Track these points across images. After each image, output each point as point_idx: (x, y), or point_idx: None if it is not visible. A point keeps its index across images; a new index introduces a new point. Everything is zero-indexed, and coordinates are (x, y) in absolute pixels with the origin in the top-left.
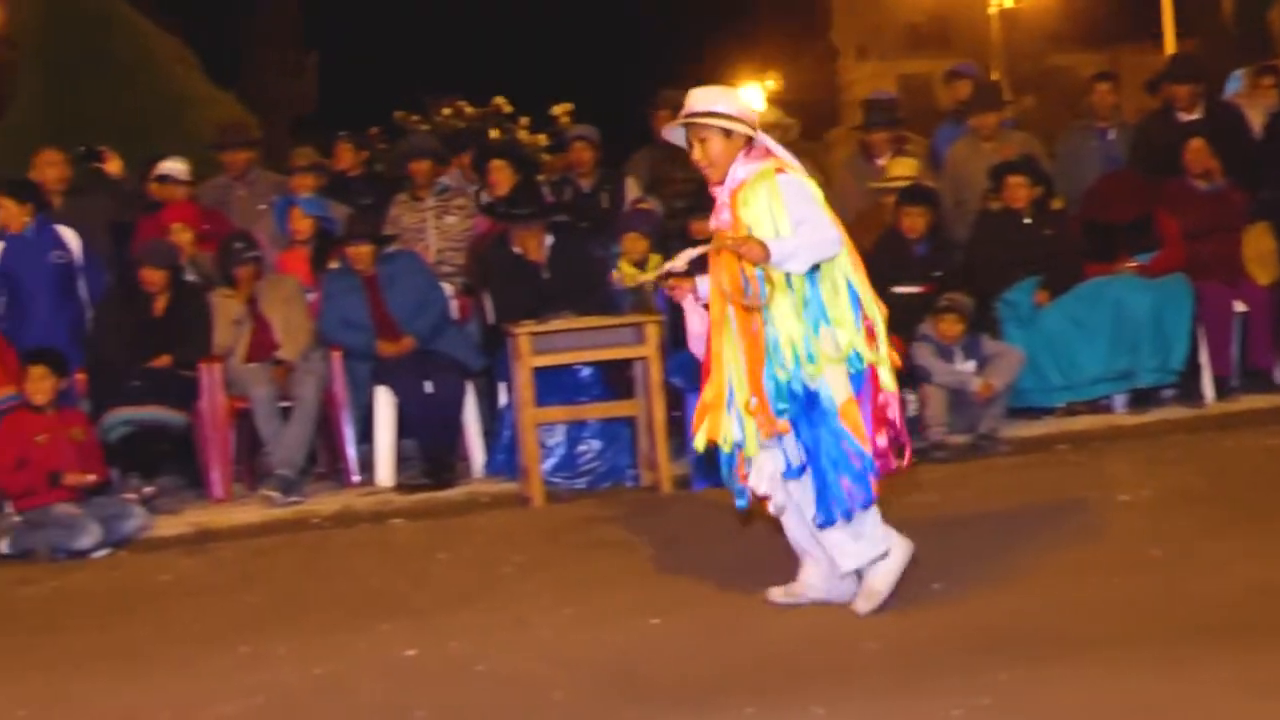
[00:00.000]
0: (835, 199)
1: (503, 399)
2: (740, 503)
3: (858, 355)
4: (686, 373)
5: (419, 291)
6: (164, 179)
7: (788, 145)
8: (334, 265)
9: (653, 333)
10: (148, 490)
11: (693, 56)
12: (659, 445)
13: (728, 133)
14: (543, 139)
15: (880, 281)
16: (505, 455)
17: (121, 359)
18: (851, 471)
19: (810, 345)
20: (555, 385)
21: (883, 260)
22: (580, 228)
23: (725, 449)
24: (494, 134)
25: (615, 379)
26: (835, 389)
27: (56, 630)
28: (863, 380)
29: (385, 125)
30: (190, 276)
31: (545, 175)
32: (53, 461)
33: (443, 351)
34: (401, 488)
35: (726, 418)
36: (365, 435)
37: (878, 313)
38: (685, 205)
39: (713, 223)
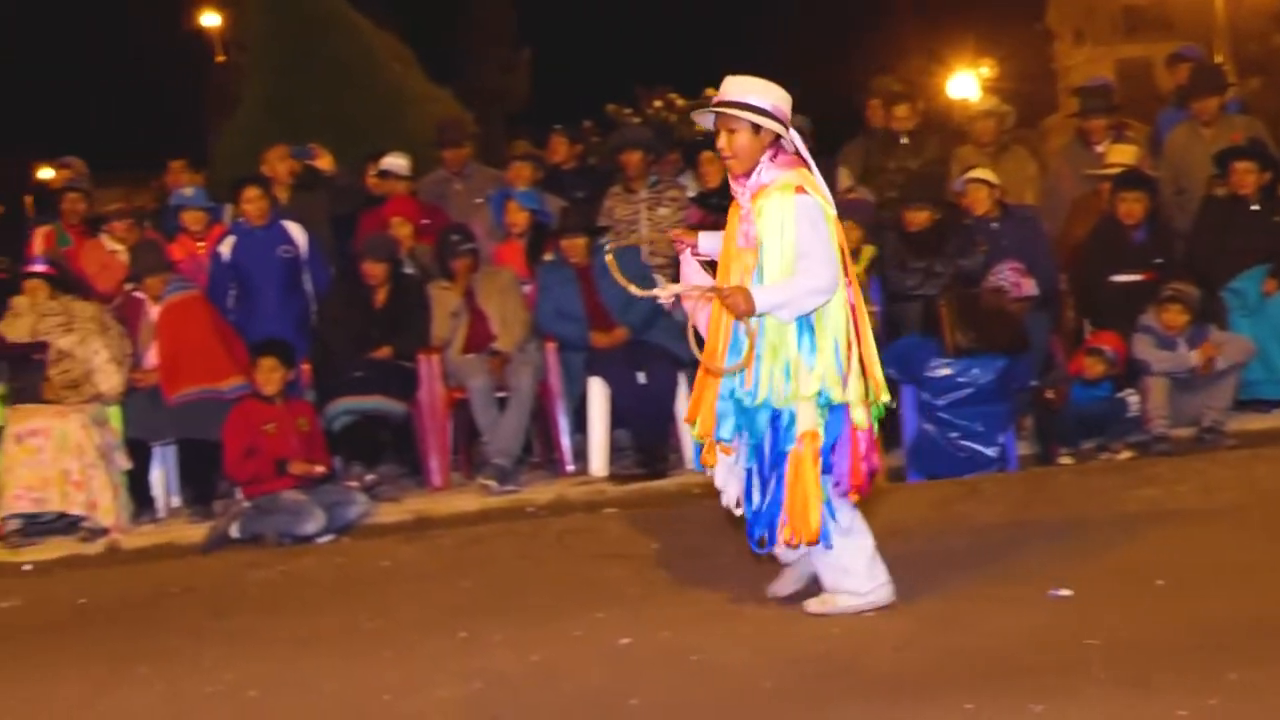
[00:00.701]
0: (1051, 187)
1: None
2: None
3: (826, 394)
4: (902, 364)
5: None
6: (385, 174)
7: (1004, 133)
8: (549, 257)
9: None
10: (369, 478)
11: (906, 45)
12: None
13: (757, 128)
14: None
15: (1097, 269)
16: None
17: (345, 350)
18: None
19: (790, 375)
20: None
21: (1100, 248)
22: None
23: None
24: None
25: None
26: (801, 420)
27: (283, 613)
28: (839, 418)
29: (597, 118)
30: (409, 269)
31: None
32: (280, 450)
33: (655, 342)
34: (615, 478)
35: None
36: (579, 425)
37: (853, 353)
38: (897, 195)
39: (739, 237)
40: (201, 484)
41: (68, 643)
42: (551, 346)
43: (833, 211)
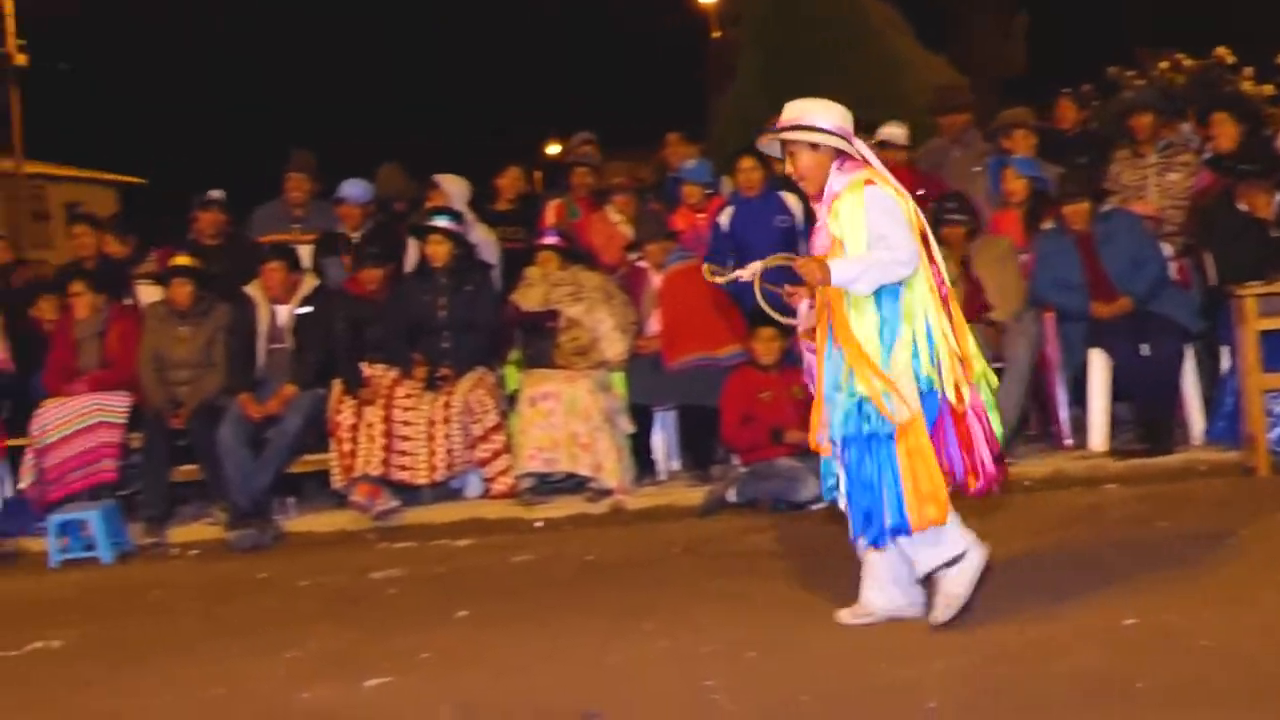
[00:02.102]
0: None
1: (1225, 364)
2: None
3: (928, 379)
4: None
5: (1136, 250)
6: (884, 144)
7: None
8: (1048, 225)
9: None
10: None
11: None
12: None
13: (814, 145)
14: (1268, 89)
15: None
16: (1226, 423)
17: None
18: (889, 499)
19: (884, 364)
20: None
21: None
22: None
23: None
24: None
25: None
26: (899, 407)
27: (777, 577)
28: (936, 402)
29: (1097, 82)
30: None
31: (1274, 128)
32: (776, 418)
33: (1161, 313)
34: (1115, 453)
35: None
36: (1078, 398)
37: (947, 336)
38: None
39: (815, 240)
40: (700, 449)
41: (576, 597)
42: (1049, 316)
43: (907, 202)
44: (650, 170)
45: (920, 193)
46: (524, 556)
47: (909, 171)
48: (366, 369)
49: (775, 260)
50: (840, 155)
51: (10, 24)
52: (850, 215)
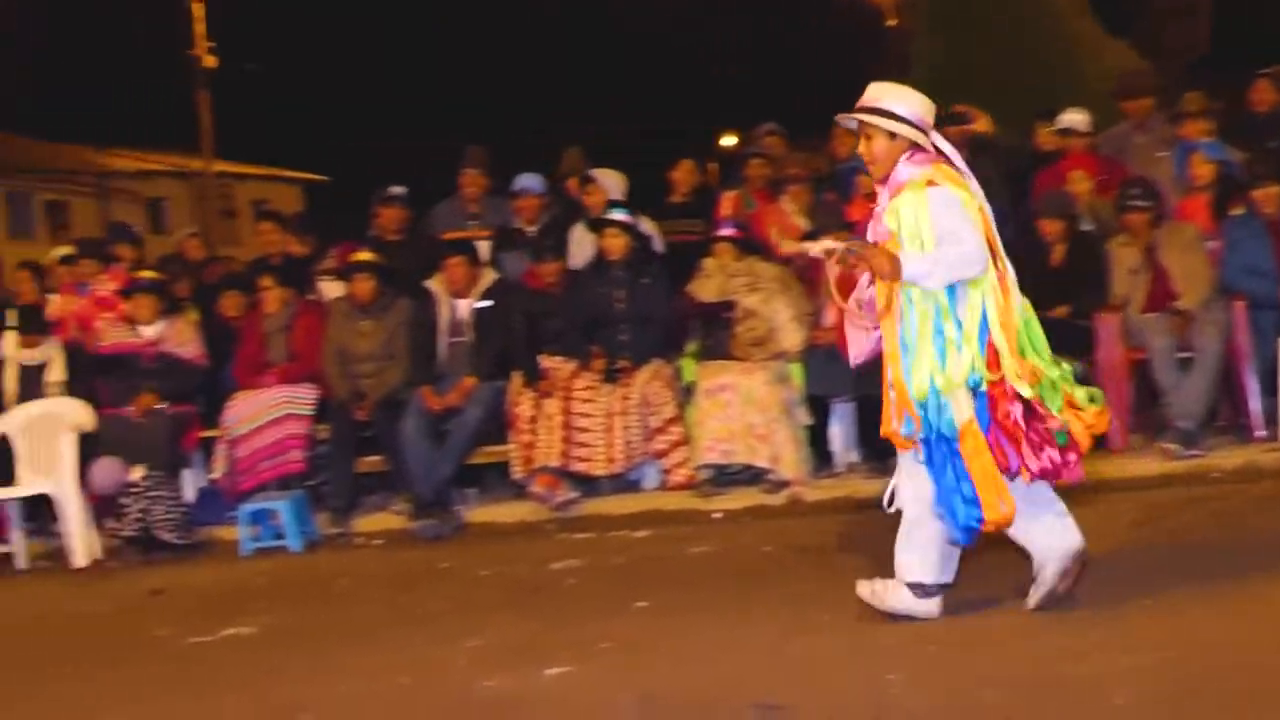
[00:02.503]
0: None
1: None
2: None
3: (977, 375)
4: None
5: None
6: (1066, 131)
7: None
8: (1237, 211)
9: None
10: None
11: None
12: None
13: (892, 133)
14: None
15: None
16: None
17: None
18: (958, 501)
19: (945, 361)
20: None
21: None
22: None
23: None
24: None
25: None
26: (960, 409)
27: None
28: (983, 400)
29: None
30: (1087, 226)
31: None
32: None
33: None
34: None
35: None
36: (1270, 388)
37: (1008, 334)
38: None
39: (870, 230)
40: (878, 440)
41: (755, 589)
42: (1240, 305)
43: (977, 201)
44: (825, 161)
45: (1103, 178)
46: (702, 548)
47: (1091, 158)
48: (545, 361)
49: (851, 245)
50: (913, 145)
51: (200, 28)
52: (911, 215)
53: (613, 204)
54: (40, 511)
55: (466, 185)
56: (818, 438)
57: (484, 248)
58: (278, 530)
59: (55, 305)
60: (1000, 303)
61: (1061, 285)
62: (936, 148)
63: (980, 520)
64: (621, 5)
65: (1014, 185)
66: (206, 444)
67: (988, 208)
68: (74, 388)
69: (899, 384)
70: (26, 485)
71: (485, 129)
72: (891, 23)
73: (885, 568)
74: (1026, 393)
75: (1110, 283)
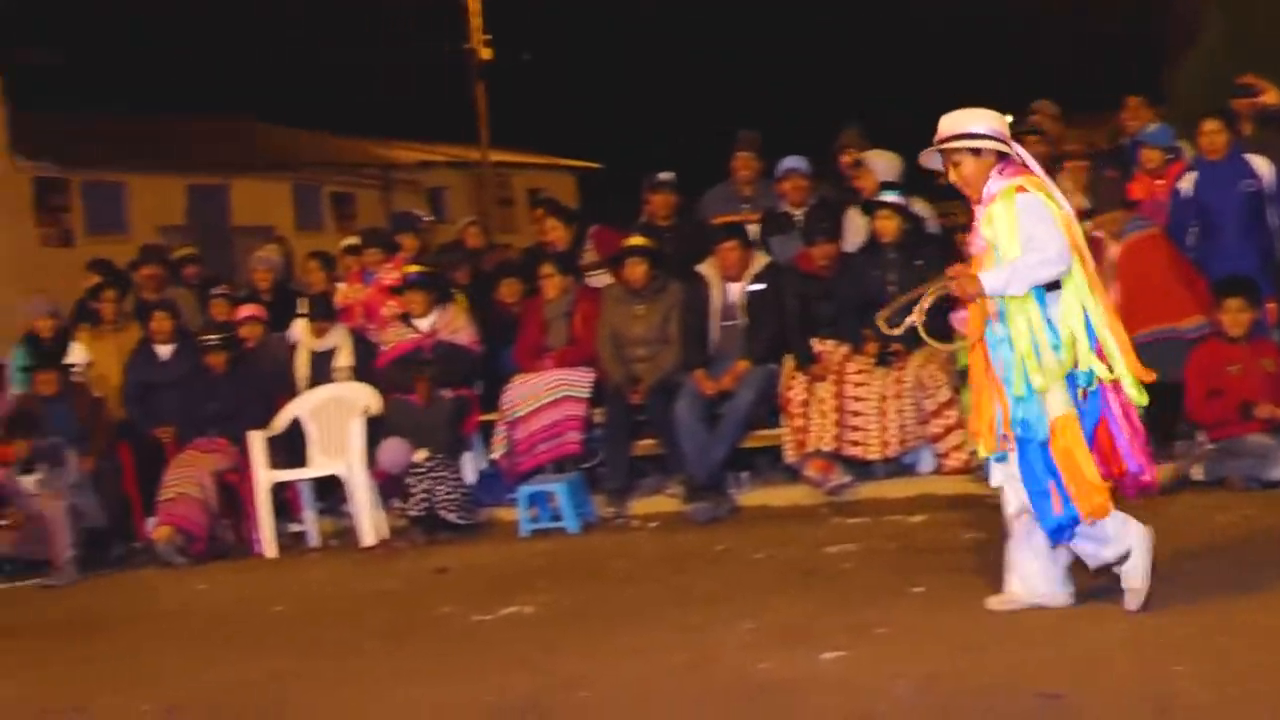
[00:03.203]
0: None
1: None
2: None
3: (1090, 372)
4: None
5: None
6: None
7: None
8: None
9: None
10: None
11: None
12: None
13: (976, 151)
14: None
15: None
16: None
17: None
18: (1048, 498)
19: (1041, 359)
20: None
21: None
22: None
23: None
24: None
25: None
26: (1052, 406)
27: (1234, 558)
28: (1096, 398)
29: None
30: None
31: None
32: (1245, 392)
33: None
34: None
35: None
36: None
37: (1113, 331)
38: None
39: (973, 247)
40: (1161, 424)
41: None
42: None
43: (1062, 209)
44: (1104, 136)
45: None
46: (978, 533)
47: None
48: (817, 345)
49: (936, 289)
50: (1001, 159)
51: (477, 21)
52: (1002, 221)
53: (885, 185)
54: (330, 492)
55: (739, 169)
56: None
57: (753, 230)
58: (555, 512)
59: (342, 293)
60: (1098, 303)
61: None
62: (1021, 158)
63: (1075, 518)
64: None
65: None
66: (486, 427)
67: (1072, 214)
68: (361, 373)
69: (986, 400)
70: (318, 467)
71: (757, 112)
72: None
73: (1176, 559)
74: (1139, 399)
75: None
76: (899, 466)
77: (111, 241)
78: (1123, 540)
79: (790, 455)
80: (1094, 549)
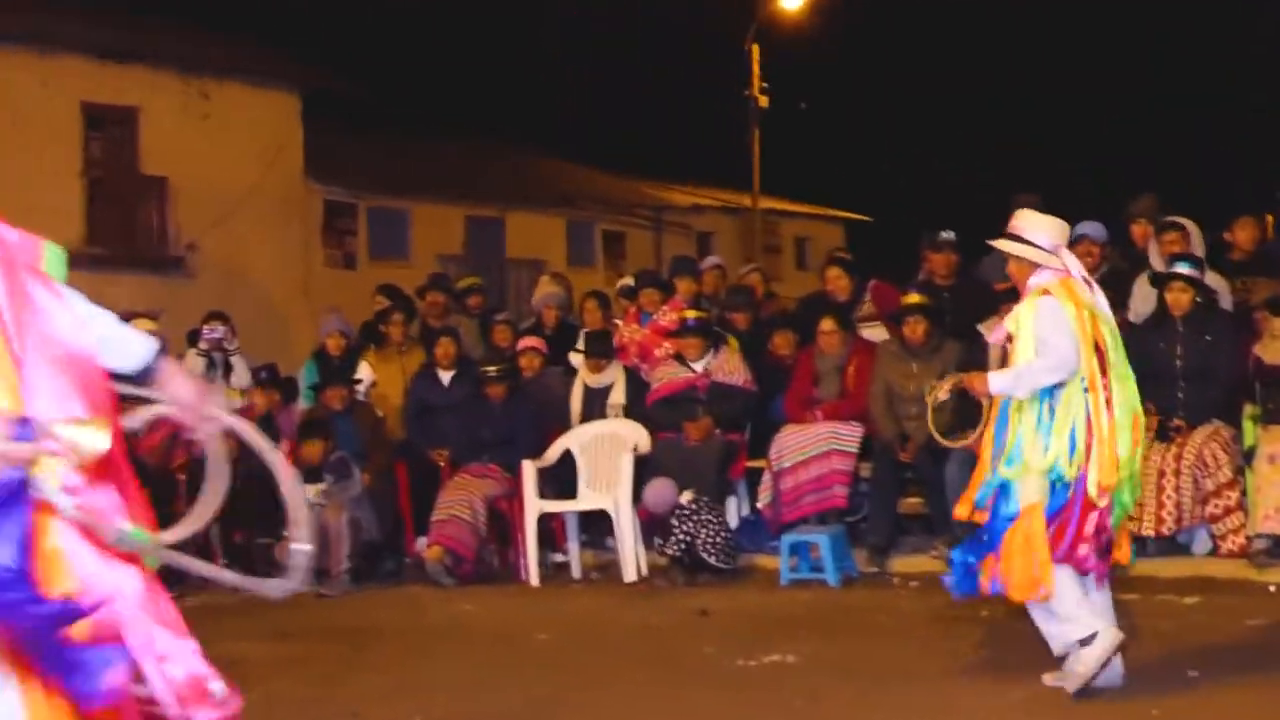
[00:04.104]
0: None
1: None
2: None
3: (1059, 470)
4: None
5: None
6: None
7: None
8: None
9: None
10: None
11: None
12: None
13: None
14: None
15: None
16: None
17: None
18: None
19: (1022, 452)
20: None
21: None
22: None
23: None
24: None
25: None
26: (1026, 494)
27: None
28: (1066, 492)
29: None
30: None
31: None
32: None
33: None
34: None
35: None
36: None
37: (1102, 438)
38: None
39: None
40: None
41: None
42: None
43: (1088, 313)
44: None
45: None
46: (1256, 620)
47: None
48: None
49: (951, 386)
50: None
51: (756, 68)
52: (1023, 319)
53: (1178, 257)
54: (594, 525)
55: None
56: None
57: None
58: (815, 563)
59: (620, 332)
60: (1097, 407)
61: None
62: (1066, 266)
63: (1002, 592)
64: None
65: None
66: (751, 474)
67: (1109, 319)
68: (632, 410)
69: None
70: (586, 500)
71: (1038, 176)
72: None
73: None
74: (1099, 501)
75: None
76: (1173, 544)
77: (393, 267)
78: (1088, 625)
79: None
80: (1054, 627)
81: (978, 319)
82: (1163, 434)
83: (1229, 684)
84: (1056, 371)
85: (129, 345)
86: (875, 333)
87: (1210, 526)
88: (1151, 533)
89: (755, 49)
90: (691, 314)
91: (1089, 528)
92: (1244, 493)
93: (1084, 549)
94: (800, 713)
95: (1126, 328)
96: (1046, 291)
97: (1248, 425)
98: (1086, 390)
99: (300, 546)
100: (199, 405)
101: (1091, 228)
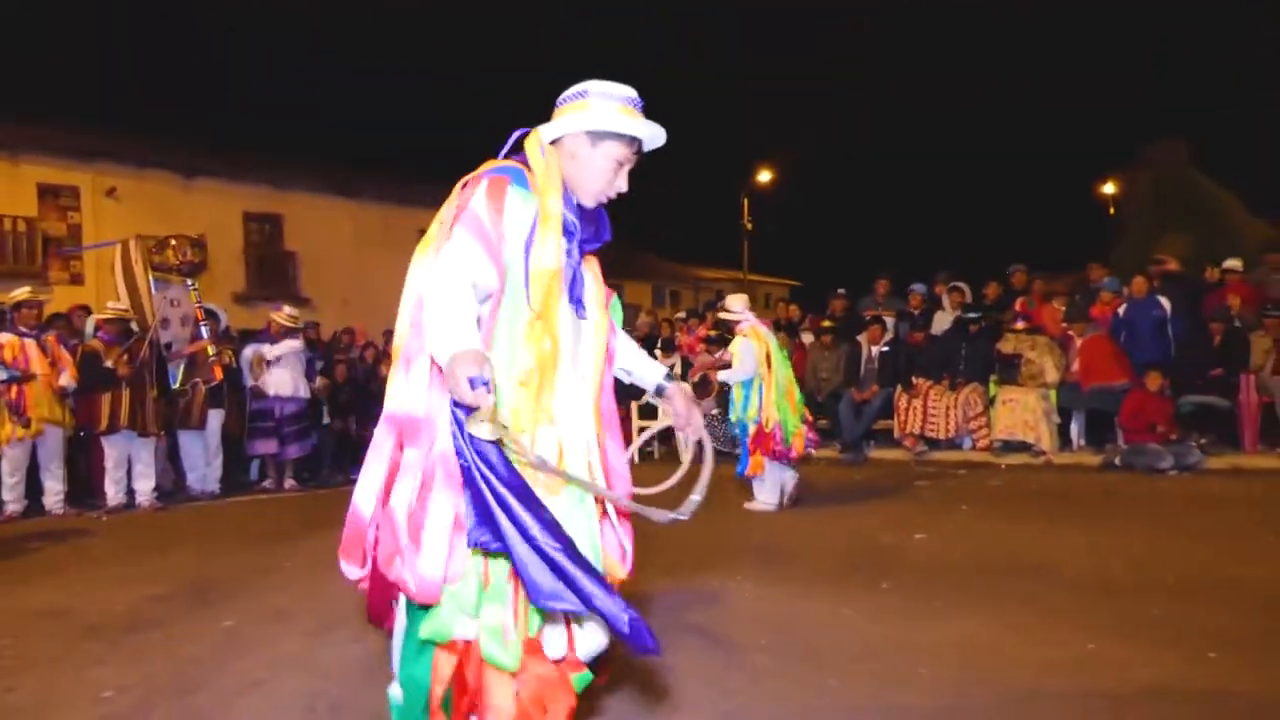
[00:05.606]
0: None
1: None
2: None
3: (744, 424)
4: None
5: None
6: (1227, 270)
7: None
8: None
9: None
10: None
11: None
12: None
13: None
14: None
15: None
16: None
17: None
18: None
19: (745, 413)
20: None
21: None
22: None
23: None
24: None
25: None
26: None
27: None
28: (744, 429)
29: None
30: (1237, 324)
31: None
32: (1152, 419)
33: None
34: None
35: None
36: None
37: (768, 397)
38: None
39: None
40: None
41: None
42: None
43: (766, 344)
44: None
45: (1248, 299)
46: (995, 482)
47: (1244, 285)
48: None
49: (702, 373)
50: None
51: (746, 211)
52: (733, 348)
53: (963, 305)
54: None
55: None
56: (1063, 430)
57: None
58: None
59: (678, 339)
60: (767, 386)
61: (1220, 358)
62: (750, 322)
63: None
64: None
65: (1192, 301)
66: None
67: (775, 343)
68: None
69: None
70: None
71: (896, 251)
72: None
73: (1094, 501)
74: (767, 427)
75: (1250, 357)
76: (952, 444)
77: None
78: (772, 484)
79: (896, 433)
80: (761, 488)
81: (856, 334)
82: (952, 386)
83: (982, 514)
84: (748, 374)
85: (653, 368)
86: (808, 338)
87: (972, 435)
88: (942, 436)
89: (745, 202)
90: (712, 331)
91: (776, 442)
92: (989, 419)
93: (773, 449)
94: None
95: (930, 339)
96: (744, 334)
97: (992, 384)
98: (763, 379)
99: (697, 497)
100: (690, 416)
101: (918, 285)
